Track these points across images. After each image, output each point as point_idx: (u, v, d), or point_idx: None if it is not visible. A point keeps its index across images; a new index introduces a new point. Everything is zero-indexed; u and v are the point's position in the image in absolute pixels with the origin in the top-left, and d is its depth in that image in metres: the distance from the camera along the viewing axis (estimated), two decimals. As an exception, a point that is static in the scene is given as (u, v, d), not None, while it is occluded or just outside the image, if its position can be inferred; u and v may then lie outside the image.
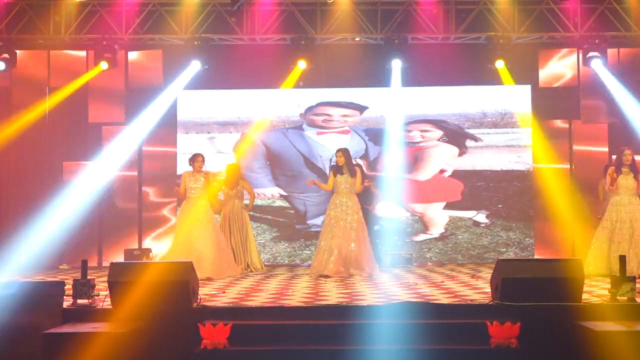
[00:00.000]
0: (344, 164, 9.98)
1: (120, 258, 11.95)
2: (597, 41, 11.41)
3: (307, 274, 10.33)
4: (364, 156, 12.50)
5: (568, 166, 12.40)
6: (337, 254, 9.81)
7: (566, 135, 12.51)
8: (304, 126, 12.66)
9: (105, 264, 11.89)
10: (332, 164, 10.14)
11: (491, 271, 7.38)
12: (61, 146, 12.52)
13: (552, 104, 12.47)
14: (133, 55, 12.54)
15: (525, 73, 12.25)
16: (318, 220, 12.46)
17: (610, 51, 11.76)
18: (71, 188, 11.91)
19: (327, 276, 9.73)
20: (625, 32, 11.42)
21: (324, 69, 12.32)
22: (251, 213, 11.56)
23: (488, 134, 12.54)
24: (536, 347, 6.40)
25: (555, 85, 12.53)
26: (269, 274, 10.60)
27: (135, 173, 12.57)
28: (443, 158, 12.55)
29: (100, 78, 12.15)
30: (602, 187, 10.23)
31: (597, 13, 11.37)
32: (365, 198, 10.81)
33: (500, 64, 11.76)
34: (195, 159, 10.23)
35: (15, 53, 11.80)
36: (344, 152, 10.09)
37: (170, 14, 11.54)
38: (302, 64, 11.79)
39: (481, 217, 12.50)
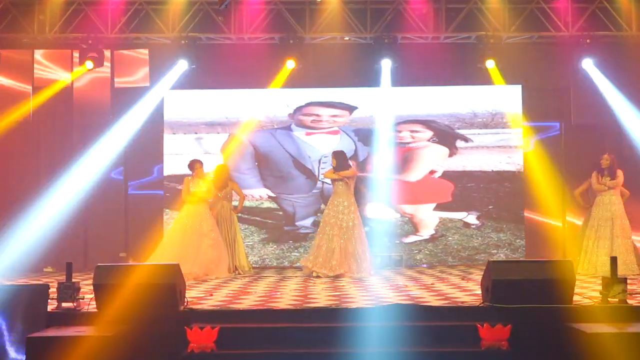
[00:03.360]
0: (335, 165, 10.43)
1: (105, 260, 11.90)
2: (588, 41, 11.44)
3: (296, 276, 10.35)
4: (354, 157, 12.49)
5: (559, 167, 12.43)
6: (336, 253, 10.19)
7: (557, 135, 12.55)
8: (293, 126, 12.65)
9: (91, 266, 11.84)
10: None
11: (482, 273, 7.40)
12: (46, 147, 12.45)
13: (543, 104, 12.51)
14: (119, 55, 12.48)
15: (516, 73, 12.27)
16: (307, 222, 12.46)
17: (602, 51, 11.79)
18: (56, 189, 11.85)
19: (319, 277, 10.04)
20: (617, 31, 11.46)
21: (313, 68, 12.30)
22: (239, 214, 11.55)
23: (478, 134, 12.57)
24: (527, 350, 6.42)
25: (546, 85, 12.57)
26: (257, 276, 10.59)
27: (121, 174, 12.53)
28: (433, 159, 12.57)
29: (86, 78, 12.10)
30: (587, 187, 10.85)
31: (588, 13, 11.40)
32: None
33: (490, 64, 11.78)
34: (193, 166, 10.74)
35: (-1, 52, 11.76)
36: (334, 154, 10.59)
37: (157, 13, 11.50)
38: (290, 64, 11.78)
39: (472, 219, 12.53)
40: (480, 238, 12.49)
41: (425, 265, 12.23)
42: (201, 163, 10.83)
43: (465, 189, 12.57)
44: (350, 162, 12.15)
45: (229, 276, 10.51)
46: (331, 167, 10.62)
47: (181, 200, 10.85)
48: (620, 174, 10.42)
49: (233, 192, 11.22)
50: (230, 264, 10.86)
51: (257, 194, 12.54)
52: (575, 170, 11.79)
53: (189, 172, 10.96)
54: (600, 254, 10.20)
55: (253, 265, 11.65)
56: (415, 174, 12.57)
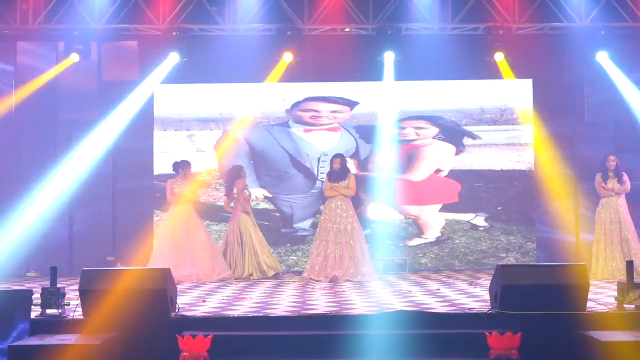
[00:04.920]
0: (340, 169, 10.72)
1: (92, 265, 11.89)
2: (602, 32, 11.43)
3: (294, 281, 10.38)
4: (355, 155, 12.50)
5: (572, 165, 12.42)
6: (331, 259, 10.45)
7: (570, 132, 12.55)
8: (290, 123, 12.64)
9: (77, 270, 11.84)
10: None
11: (490, 278, 7.40)
12: (29, 144, 12.44)
13: (555, 99, 12.50)
14: (106, 47, 12.46)
15: (526, 66, 12.26)
16: (305, 224, 12.46)
17: (617, 43, 11.78)
18: (40, 189, 11.85)
19: (319, 281, 10.25)
20: (633, 22, 11.44)
21: (312, 61, 12.30)
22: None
23: (487, 131, 12.57)
24: (538, 359, 6.42)
25: (559, 79, 12.56)
26: (252, 281, 10.59)
27: (109, 173, 12.52)
28: (439, 157, 12.57)
29: (71, 71, 12.07)
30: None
31: (603, 2, 11.38)
32: (352, 200, 10.91)
33: (499, 57, 11.77)
34: (186, 166, 11.03)
35: (-21, 44, 11.75)
36: (342, 157, 10.92)
37: (147, 3, 11.47)
38: (288, 56, 11.78)
39: (479, 220, 12.53)
40: (488, 241, 12.49)
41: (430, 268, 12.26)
42: (187, 164, 11.05)
43: (473, 189, 12.57)
44: (352, 161, 12.21)
45: (228, 278, 10.69)
46: (331, 170, 10.78)
47: (167, 202, 11.17)
48: (627, 178, 10.65)
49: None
50: (259, 266, 10.95)
51: (253, 195, 12.50)
52: (589, 169, 11.78)
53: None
54: (615, 258, 10.38)
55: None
56: (420, 173, 12.57)
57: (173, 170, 11.11)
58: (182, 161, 11.12)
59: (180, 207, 10.82)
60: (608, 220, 10.58)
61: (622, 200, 10.64)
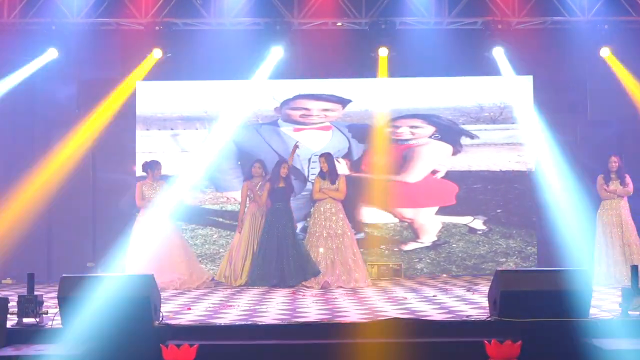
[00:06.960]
0: (327, 170, 10.84)
1: (71, 271, 11.86)
2: (606, 27, 11.49)
3: (284, 288, 10.37)
4: (347, 155, 12.52)
5: (574, 166, 12.45)
6: (322, 266, 10.55)
7: (572, 131, 12.58)
8: (280, 121, 12.65)
9: (55, 277, 11.82)
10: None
11: (489, 284, 7.42)
12: (4, 145, 12.42)
13: (556, 96, 12.55)
14: (86, 42, 12.43)
15: (526, 62, 12.30)
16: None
17: (621, 38, 11.83)
18: (16, 192, 11.81)
19: (310, 287, 10.29)
20: (637, 17, 11.50)
21: (302, 57, 12.31)
22: (220, 220, 11.57)
23: (485, 130, 12.60)
24: (539, 368, 6.45)
25: (560, 76, 12.60)
26: (240, 288, 10.59)
27: (89, 175, 12.50)
28: (435, 157, 12.59)
29: (49, 68, 12.06)
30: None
31: (606, -5, 11.47)
32: (344, 203, 10.95)
33: (498, 52, 11.83)
34: (156, 167, 10.91)
35: (-50, 40, 11.72)
36: (327, 157, 10.99)
37: (128, -4, 11.50)
38: (277, 52, 11.79)
39: (478, 224, 12.56)
40: (487, 245, 12.52)
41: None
42: (157, 164, 10.96)
43: (471, 190, 12.60)
44: (344, 162, 12.22)
45: (207, 281, 10.82)
46: (322, 172, 10.92)
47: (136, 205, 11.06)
48: (630, 180, 10.76)
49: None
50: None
51: (239, 197, 12.49)
52: (592, 169, 11.84)
53: (163, 172, 11.09)
54: (618, 262, 10.45)
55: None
56: (416, 175, 12.59)
57: (143, 171, 11.10)
58: (152, 161, 11.06)
59: (152, 211, 10.73)
60: (609, 223, 10.68)
61: (624, 203, 10.74)
